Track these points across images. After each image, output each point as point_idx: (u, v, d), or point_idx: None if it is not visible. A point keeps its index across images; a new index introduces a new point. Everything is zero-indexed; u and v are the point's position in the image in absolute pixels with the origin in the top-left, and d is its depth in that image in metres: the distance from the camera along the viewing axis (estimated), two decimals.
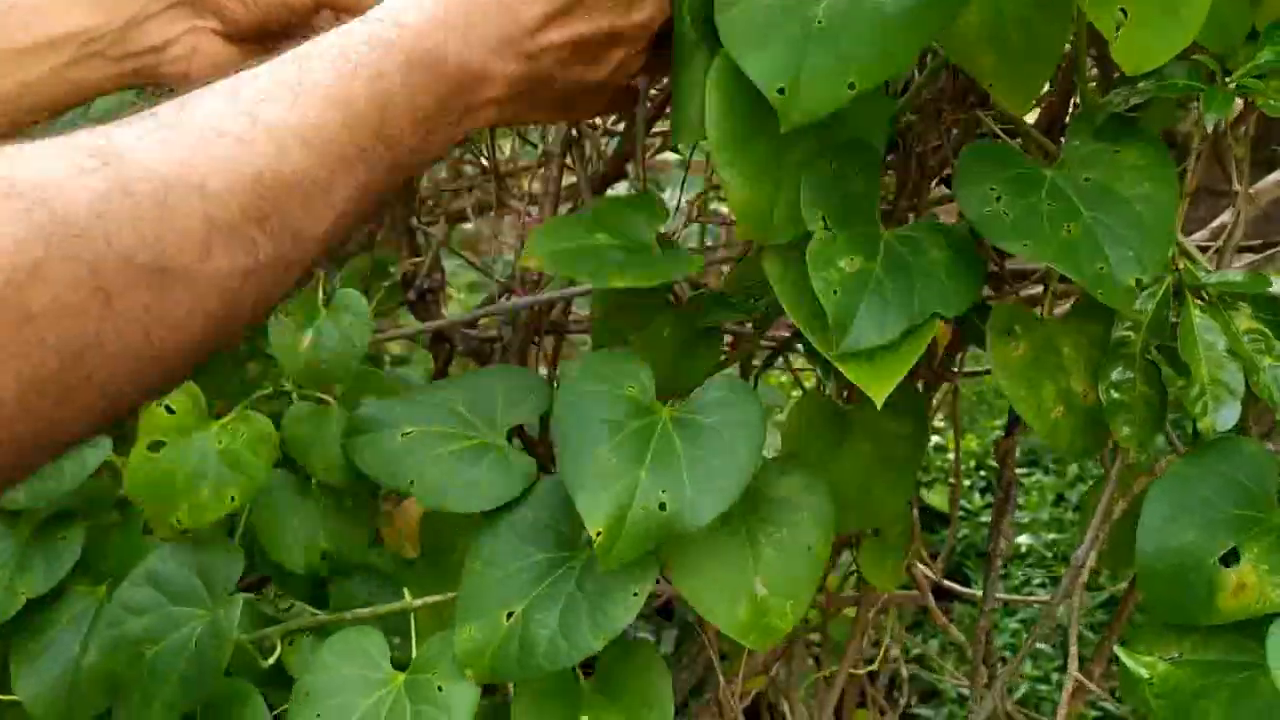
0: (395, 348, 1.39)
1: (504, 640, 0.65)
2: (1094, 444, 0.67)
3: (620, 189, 1.14)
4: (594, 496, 0.62)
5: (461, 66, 0.53)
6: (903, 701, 1.07)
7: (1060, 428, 0.66)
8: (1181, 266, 0.64)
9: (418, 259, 1.01)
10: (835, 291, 0.59)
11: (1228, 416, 0.61)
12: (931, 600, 0.93)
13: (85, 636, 0.80)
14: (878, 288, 0.60)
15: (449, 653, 0.67)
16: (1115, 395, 0.64)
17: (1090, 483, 2.00)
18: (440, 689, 0.68)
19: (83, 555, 0.81)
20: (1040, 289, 0.73)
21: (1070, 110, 0.74)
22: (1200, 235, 0.88)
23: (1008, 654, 1.71)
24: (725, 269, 0.97)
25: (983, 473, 2.13)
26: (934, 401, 0.90)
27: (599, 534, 0.61)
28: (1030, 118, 0.70)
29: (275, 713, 0.74)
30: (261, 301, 0.45)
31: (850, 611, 0.95)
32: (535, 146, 1.23)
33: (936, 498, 1.78)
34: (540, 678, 0.67)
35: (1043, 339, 0.66)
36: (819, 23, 0.55)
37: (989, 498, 2.07)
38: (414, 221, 1.10)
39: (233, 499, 0.78)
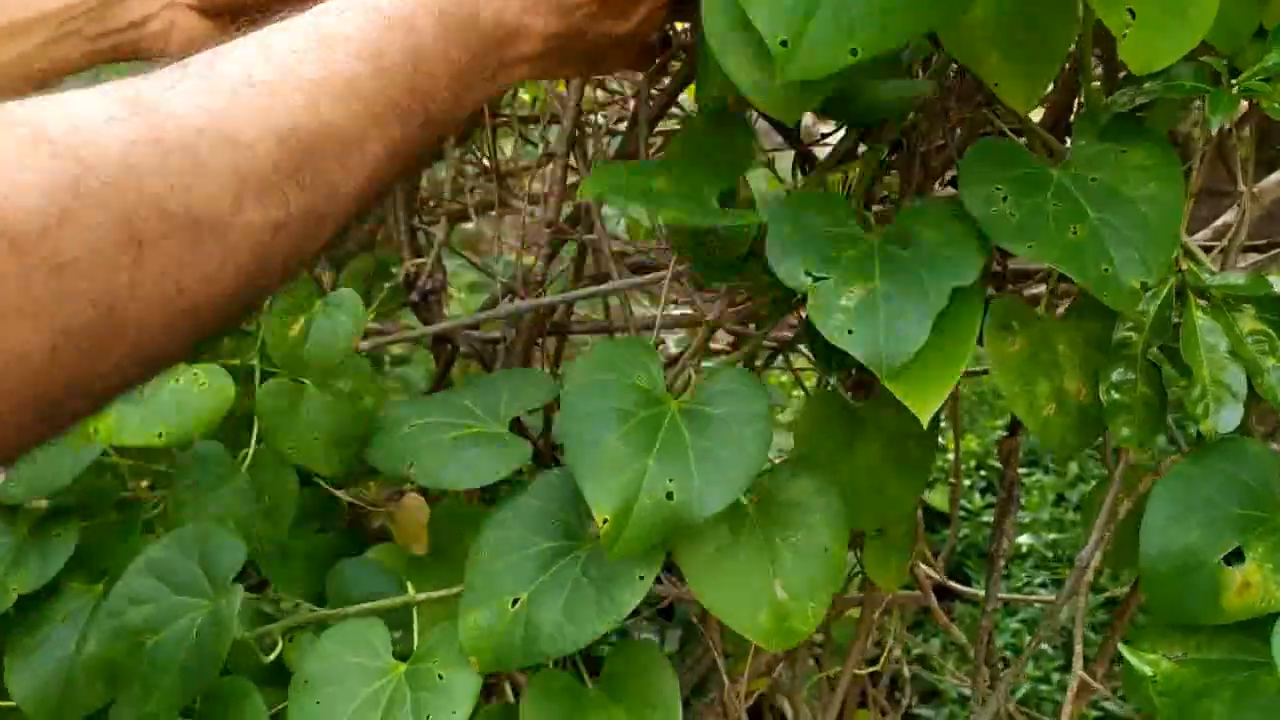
0: (396, 348, 1.39)
1: (509, 626, 0.65)
2: (1084, 442, 0.67)
3: None
4: (602, 485, 0.62)
5: (497, 22, 0.53)
6: (905, 702, 1.07)
7: (1051, 425, 0.66)
8: (1185, 267, 0.64)
9: (420, 259, 1.00)
10: (849, 331, 0.59)
11: (1229, 418, 0.61)
12: (934, 601, 0.93)
13: (83, 630, 0.79)
14: (887, 302, 0.60)
15: (450, 642, 0.68)
16: (1116, 396, 0.64)
17: (1091, 483, 2.00)
18: (441, 677, 0.68)
19: (80, 553, 0.81)
20: (1042, 288, 0.74)
21: (1075, 109, 0.74)
22: (1202, 235, 0.88)
23: (1008, 654, 1.71)
24: None
25: (983, 472, 2.13)
26: None
27: (606, 522, 0.61)
28: (1034, 116, 0.70)
29: (273, 711, 0.74)
30: (293, 256, 0.44)
31: (852, 612, 0.95)
32: (535, 145, 1.23)
33: (937, 498, 1.78)
34: (548, 680, 0.67)
35: (1039, 335, 0.66)
36: None
37: (989, 498, 2.07)
38: (415, 221, 1.10)
39: (160, 435, 0.77)
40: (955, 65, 0.70)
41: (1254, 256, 0.93)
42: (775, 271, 0.61)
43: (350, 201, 0.46)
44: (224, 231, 0.40)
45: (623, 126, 1.07)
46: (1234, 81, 0.61)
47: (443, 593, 0.73)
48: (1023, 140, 0.70)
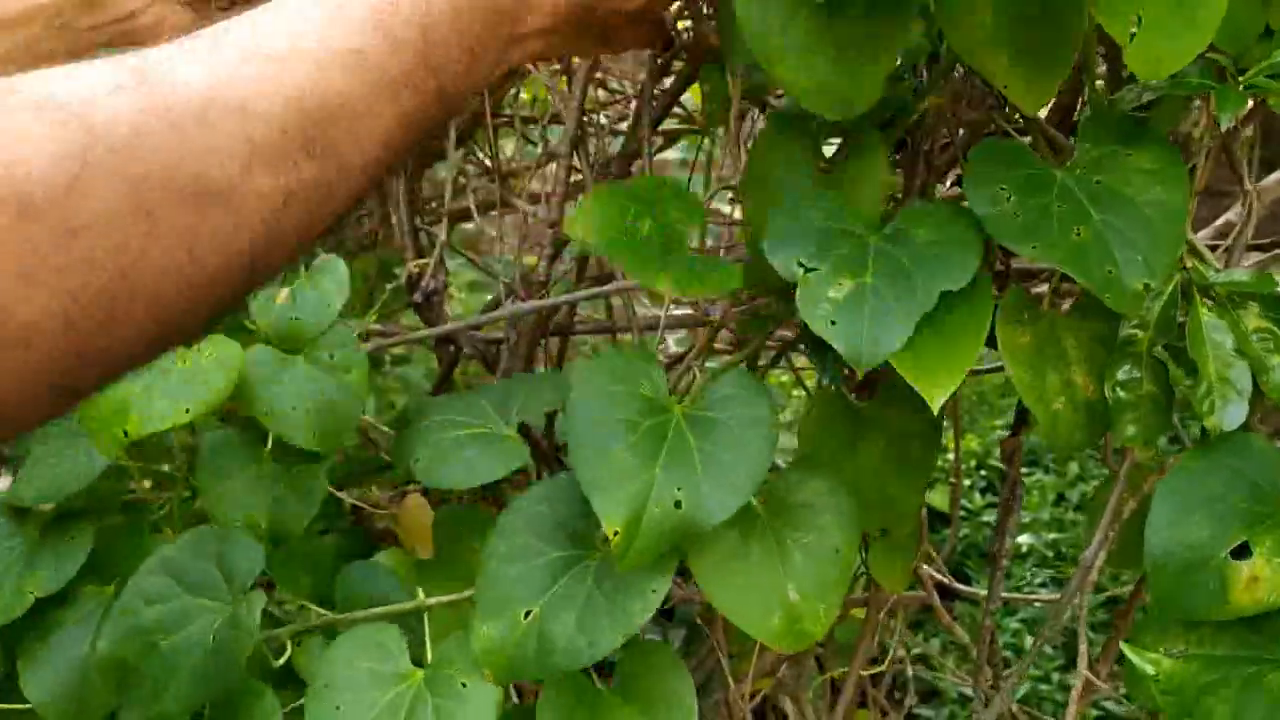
0: (396, 347, 1.39)
1: (521, 639, 0.65)
2: (1089, 439, 0.67)
3: None
4: (610, 497, 0.62)
5: None
6: (907, 702, 1.07)
7: (1060, 419, 0.66)
8: (1190, 265, 0.64)
9: (423, 260, 1.00)
10: (832, 322, 0.59)
11: (1235, 415, 0.61)
12: (938, 600, 0.93)
13: (96, 631, 0.78)
14: (874, 297, 0.60)
15: (469, 649, 0.67)
16: (1121, 394, 0.64)
17: (1091, 483, 2.01)
18: (464, 685, 0.68)
19: (92, 554, 0.80)
20: (1046, 288, 0.74)
21: (1079, 107, 0.74)
22: (1203, 234, 0.88)
23: (1008, 654, 1.71)
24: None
25: (983, 472, 2.13)
26: None
27: (616, 534, 0.61)
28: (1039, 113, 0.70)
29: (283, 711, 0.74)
30: (305, 227, 0.44)
31: (856, 612, 0.95)
32: (535, 145, 1.23)
33: (937, 498, 1.78)
34: (562, 684, 0.67)
35: (1046, 329, 0.66)
36: None
37: (989, 497, 2.08)
38: (417, 222, 1.10)
39: (187, 411, 0.76)
40: (960, 65, 0.70)
41: (1256, 256, 0.93)
42: (771, 261, 0.62)
43: (361, 172, 0.46)
44: (235, 200, 0.39)
45: (624, 126, 1.07)
46: (1240, 79, 0.61)
47: (453, 597, 0.73)
48: (1027, 139, 0.70)
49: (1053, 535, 1.99)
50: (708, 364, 0.85)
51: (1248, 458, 0.63)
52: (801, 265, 0.61)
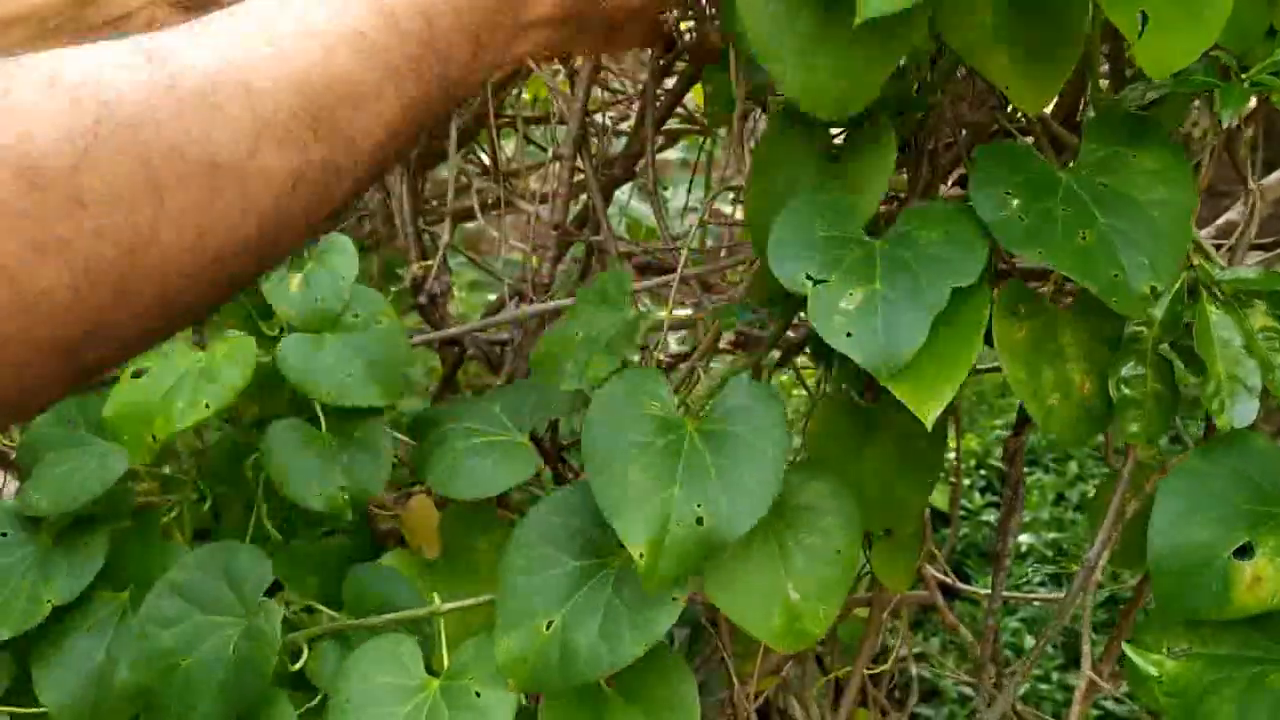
0: None
1: (544, 649, 0.65)
2: (1086, 435, 0.67)
3: (621, 191, 1.14)
4: (631, 520, 0.62)
5: None
6: (911, 701, 1.07)
7: (1055, 415, 0.65)
8: (1197, 264, 0.64)
9: (427, 262, 1.00)
10: (847, 334, 0.59)
11: (1245, 413, 0.61)
12: (941, 599, 0.94)
13: (110, 646, 0.79)
14: (885, 304, 0.60)
15: (484, 658, 0.68)
16: (1125, 391, 0.64)
17: (1091, 482, 2.01)
18: (478, 695, 0.68)
19: (104, 560, 0.80)
20: (1049, 286, 0.74)
21: (1081, 106, 0.74)
22: (1205, 234, 0.88)
23: (1008, 653, 1.71)
24: (728, 271, 0.98)
25: (983, 472, 2.13)
26: None
27: (642, 556, 0.61)
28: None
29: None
30: (313, 208, 0.44)
31: (859, 611, 0.95)
32: (535, 145, 1.23)
33: (937, 497, 1.78)
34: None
35: (1044, 324, 0.66)
36: None
37: (989, 497, 2.08)
38: (420, 223, 1.10)
39: (207, 405, 0.77)
40: (963, 66, 0.70)
41: (1258, 255, 0.93)
42: (777, 275, 0.62)
43: (368, 156, 0.46)
44: (243, 177, 0.40)
45: (625, 126, 1.08)
46: (1244, 76, 0.61)
47: (466, 603, 0.73)
48: (1029, 139, 0.70)
49: (1052, 534, 1.99)
50: (710, 364, 0.86)
51: (1251, 458, 0.63)
52: (810, 278, 0.61)
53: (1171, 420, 0.66)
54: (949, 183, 0.83)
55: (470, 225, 1.30)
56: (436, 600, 0.74)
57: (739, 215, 0.92)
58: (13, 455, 0.92)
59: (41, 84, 0.36)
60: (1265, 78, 0.60)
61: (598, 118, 1.05)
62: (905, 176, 0.77)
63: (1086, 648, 0.71)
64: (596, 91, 1.05)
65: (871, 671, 0.99)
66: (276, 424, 0.82)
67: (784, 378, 1.51)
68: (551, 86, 1.06)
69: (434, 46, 0.48)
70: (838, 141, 0.70)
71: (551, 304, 0.95)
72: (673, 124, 1.11)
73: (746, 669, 0.86)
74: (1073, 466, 2.11)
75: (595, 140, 1.02)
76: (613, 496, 0.63)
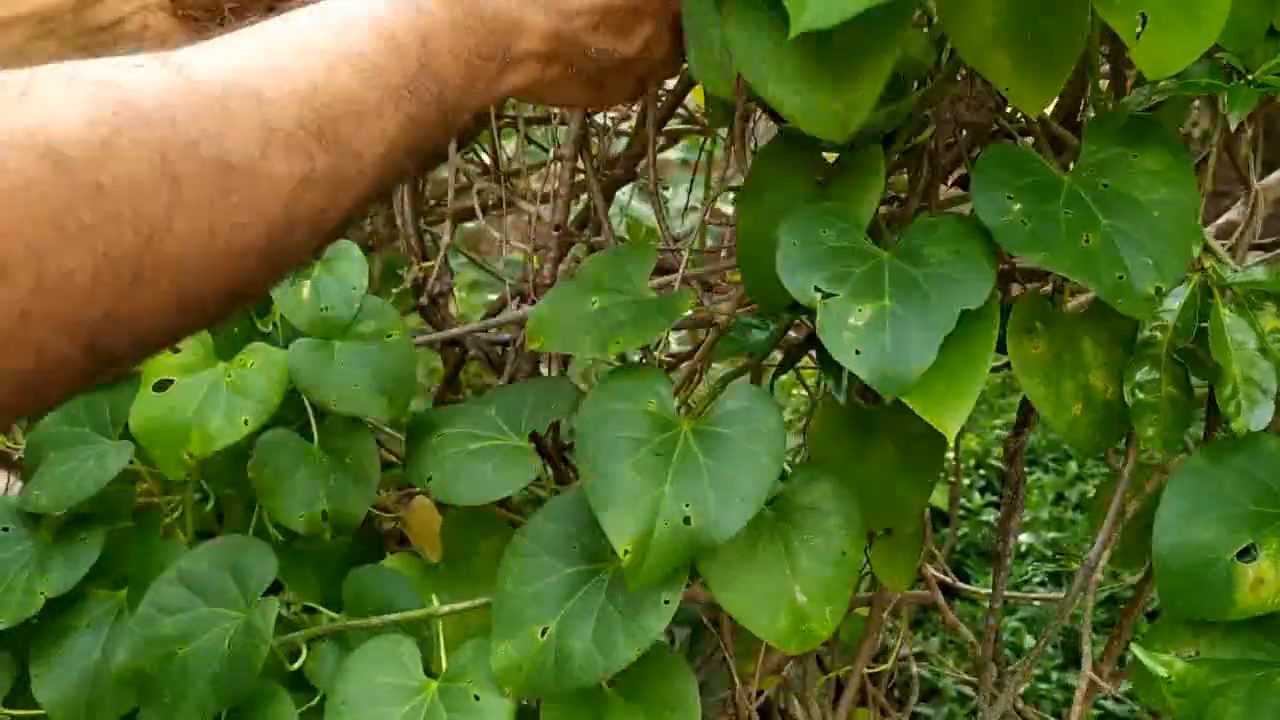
0: None
1: (539, 655, 0.66)
2: (1112, 439, 0.67)
3: (622, 192, 1.14)
4: (618, 516, 0.62)
5: (496, 13, 0.56)
6: (912, 700, 1.07)
7: (1079, 424, 0.66)
8: (1208, 266, 0.64)
9: (428, 262, 1.01)
10: (856, 351, 0.59)
11: (1262, 416, 0.61)
12: (941, 599, 0.94)
13: (106, 639, 0.79)
14: (894, 322, 0.59)
15: (482, 661, 0.68)
16: (1141, 396, 0.64)
17: (1090, 481, 2.01)
18: (477, 698, 0.68)
19: (101, 559, 0.81)
20: (1053, 287, 0.74)
21: (1082, 108, 0.74)
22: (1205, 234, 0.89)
23: (1007, 652, 1.72)
24: (729, 272, 0.97)
25: (982, 471, 2.13)
26: None
27: (627, 553, 0.62)
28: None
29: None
30: (319, 217, 0.45)
31: (860, 610, 0.95)
32: (534, 144, 1.23)
33: (937, 496, 1.78)
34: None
35: (1064, 335, 0.66)
36: None
37: (989, 496, 2.08)
38: (422, 224, 1.10)
39: (246, 422, 0.78)
40: (963, 68, 0.70)
41: (1257, 255, 0.93)
42: (786, 286, 0.62)
43: (371, 170, 0.48)
44: (253, 179, 0.42)
45: (626, 126, 1.08)
46: (1249, 77, 0.61)
47: (464, 605, 0.73)
48: (1029, 140, 0.70)
49: (1052, 534, 1.99)
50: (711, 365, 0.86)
51: (1259, 459, 0.63)
52: (819, 290, 0.60)
53: (1188, 424, 0.66)
54: (949, 183, 0.83)
55: (471, 225, 1.29)
56: (435, 602, 0.74)
57: None
58: (15, 456, 0.92)
59: (62, 80, 0.37)
60: (1271, 79, 0.60)
61: (599, 118, 1.05)
62: (905, 176, 0.77)
63: (1087, 648, 0.71)
64: None
65: (871, 671, 0.99)
66: (268, 435, 0.82)
67: (783, 377, 1.51)
68: None
69: (430, 68, 0.51)
70: (830, 161, 0.70)
71: None
72: (673, 124, 1.11)
73: (748, 669, 0.86)
74: (1072, 466, 2.11)
75: (596, 140, 1.02)
76: (603, 492, 0.63)
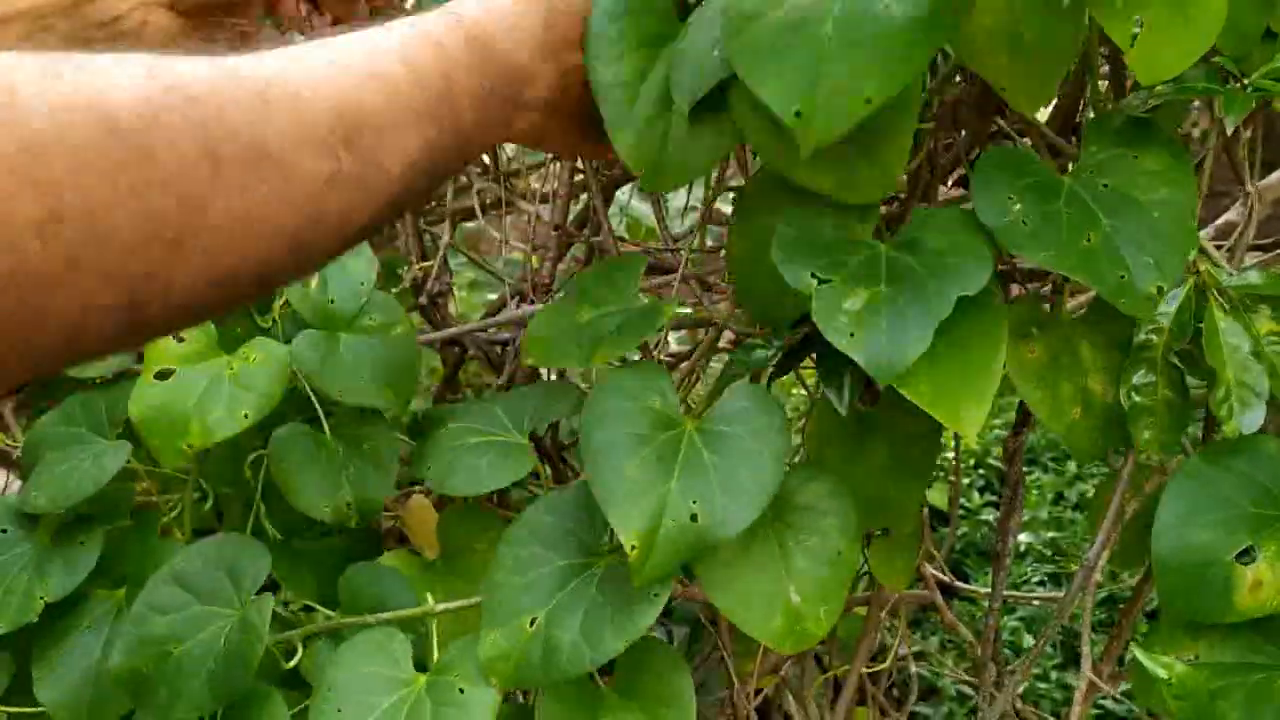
0: None
1: (527, 646, 0.66)
2: (1112, 443, 0.67)
3: (621, 192, 1.14)
4: (625, 511, 0.62)
5: (507, 58, 0.59)
6: (910, 699, 1.07)
7: (1078, 428, 0.66)
8: (1202, 269, 0.64)
9: (427, 262, 1.01)
10: (851, 334, 0.59)
11: (1254, 419, 0.61)
12: (940, 598, 0.94)
13: (106, 643, 0.79)
14: (890, 307, 0.59)
15: (471, 656, 0.68)
16: (1137, 399, 0.64)
17: (1089, 481, 2.01)
18: (462, 691, 0.68)
19: (101, 558, 0.81)
20: (1052, 287, 0.74)
21: (1081, 109, 0.74)
22: (1203, 235, 0.88)
23: (1006, 652, 1.72)
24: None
25: (981, 471, 2.13)
26: None
27: (633, 548, 0.62)
28: (1040, 116, 0.70)
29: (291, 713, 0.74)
30: (345, 217, 0.48)
31: (859, 610, 0.95)
32: None
33: (936, 496, 1.78)
34: (562, 684, 0.67)
35: (1060, 339, 0.66)
36: (829, 40, 0.54)
37: (988, 495, 2.08)
38: (420, 223, 1.10)
39: (246, 416, 0.78)
40: (963, 69, 0.70)
41: (1256, 256, 0.93)
42: (783, 273, 0.62)
43: (392, 183, 0.50)
44: (285, 171, 0.44)
45: None
46: (1245, 81, 0.61)
47: (459, 603, 0.74)
48: (1027, 141, 0.70)
49: (1051, 534, 1.99)
50: (710, 363, 0.86)
51: (1258, 461, 0.63)
52: (815, 276, 0.60)
53: (1185, 426, 0.66)
54: (949, 183, 0.83)
55: (470, 225, 1.29)
56: (430, 600, 0.74)
57: None
58: (15, 454, 0.92)
59: (114, 60, 0.40)
60: (1267, 83, 0.60)
61: None
62: (905, 177, 0.77)
63: (1086, 648, 0.71)
64: None
65: (870, 670, 0.99)
66: (283, 430, 0.83)
67: (783, 377, 1.51)
68: None
69: (449, 101, 0.54)
70: None
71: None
72: None
73: (746, 668, 0.86)
74: (1071, 466, 2.11)
75: None
76: (609, 488, 0.63)
